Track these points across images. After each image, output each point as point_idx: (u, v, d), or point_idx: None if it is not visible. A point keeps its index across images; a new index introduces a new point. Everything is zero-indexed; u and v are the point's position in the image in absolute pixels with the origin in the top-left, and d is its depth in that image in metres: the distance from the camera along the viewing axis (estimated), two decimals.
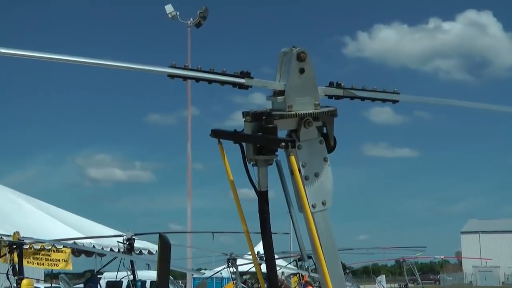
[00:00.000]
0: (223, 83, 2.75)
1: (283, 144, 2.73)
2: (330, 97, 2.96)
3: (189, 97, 31.86)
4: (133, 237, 14.37)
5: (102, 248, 17.03)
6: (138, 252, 18.14)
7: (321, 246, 2.84)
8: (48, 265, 15.68)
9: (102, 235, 17.21)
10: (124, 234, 14.60)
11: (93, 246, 16.76)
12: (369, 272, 43.09)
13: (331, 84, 2.96)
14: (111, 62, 2.62)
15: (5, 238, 12.63)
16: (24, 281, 11.59)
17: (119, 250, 14.83)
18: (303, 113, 2.83)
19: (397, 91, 3.05)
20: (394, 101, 3.05)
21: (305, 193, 2.83)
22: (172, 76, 2.67)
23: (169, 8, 31.71)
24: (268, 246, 2.89)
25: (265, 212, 2.85)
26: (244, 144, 2.84)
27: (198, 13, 31.76)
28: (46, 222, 18.13)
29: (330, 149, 2.94)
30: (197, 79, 2.73)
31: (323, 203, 2.88)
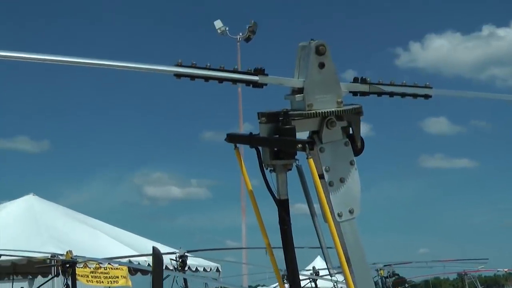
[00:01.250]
0: (235, 81, 2.52)
1: (300, 146, 2.45)
2: (355, 94, 2.70)
3: (241, 113, 31.83)
4: (185, 254, 14.25)
5: None
6: (194, 270, 17.95)
7: (349, 259, 2.59)
8: (108, 283, 15.23)
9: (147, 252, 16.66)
10: (177, 251, 14.47)
11: (148, 264, 16.64)
12: (429, 286, 42.09)
13: (355, 80, 2.70)
14: (114, 62, 2.43)
15: (59, 257, 12.73)
16: None
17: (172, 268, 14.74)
18: (325, 112, 2.56)
19: (429, 85, 2.79)
20: (427, 96, 2.79)
21: (330, 200, 2.57)
22: (178, 75, 2.46)
23: (218, 23, 31.99)
24: (290, 261, 2.60)
25: (286, 223, 2.58)
26: (260, 148, 2.58)
27: (247, 27, 32.01)
28: (102, 240, 18.09)
29: (357, 151, 2.67)
30: (206, 78, 2.50)
31: (351, 211, 2.62)
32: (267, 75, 2.54)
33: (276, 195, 2.59)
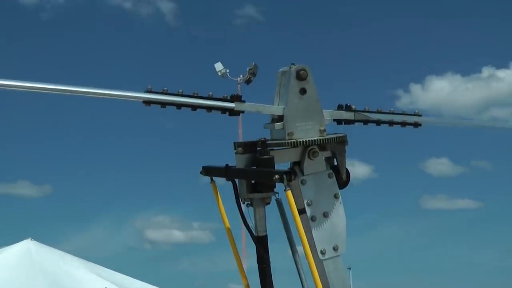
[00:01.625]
0: (209, 108, 2.40)
1: (277, 177, 2.29)
2: (339, 122, 2.57)
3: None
4: None
5: None
6: None
7: None
8: None
9: None
10: None
11: None
12: None
13: (340, 107, 2.57)
14: (82, 89, 2.33)
15: None
16: None
17: None
18: (306, 141, 2.42)
19: (419, 112, 2.68)
20: (416, 124, 2.67)
21: (312, 237, 2.43)
22: (148, 102, 2.34)
23: (218, 66, 32.06)
24: None
25: (265, 261, 2.44)
26: (237, 181, 2.44)
27: (248, 70, 32.08)
28: (101, 286, 17.83)
29: (343, 183, 2.52)
30: (178, 105, 2.37)
31: (335, 249, 2.48)
32: (244, 101, 2.42)
33: (254, 231, 2.46)
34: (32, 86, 2.28)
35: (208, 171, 2.51)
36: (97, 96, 2.35)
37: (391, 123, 2.64)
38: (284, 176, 2.30)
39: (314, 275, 2.34)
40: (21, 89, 2.27)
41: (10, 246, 19.45)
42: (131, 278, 20.34)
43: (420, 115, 2.67)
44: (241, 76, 32.84)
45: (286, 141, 2.43)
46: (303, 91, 2.43)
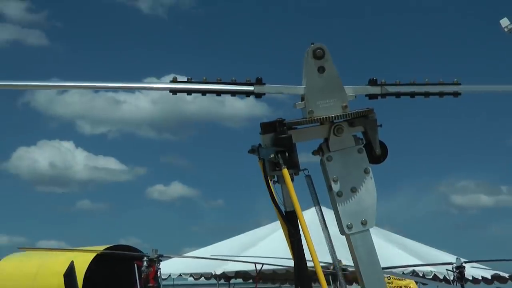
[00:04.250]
0: (233, 93, 2.48)
1: (272, 156, 2.41)
2: (371, 97, 2.54)
3: None
4: (463, 264, 13.04)
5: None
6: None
7: (361, 275, 2.47)
8: None
9: (435, 262, 16.23)
10: (453, 262, 13.37)
11: (434, 275, 16.08)
12: None
13: (370, 82, 2.53)
14: (110, 84, 2.49)
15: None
16: None
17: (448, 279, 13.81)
18: (325, 118, 2.46)
19: (458, 81, 2.57)
20: (456, 94, 2.57)
21: (338, 211, 2.48)
22: (174, 91, 2.43)
23: (504, 22, 30.48)
24: (302, 276, 2.51)
25: (294, 236, 2.49)
26: (265, 159, 2.50)
27: None
28: (386, 249, 17.33)
29: (376, 158, 2.52)
30: (203, 92, 2.47)
31: (363, 223, 2.48)
32: (264, 84, 2.47)
33: (281, 207, 2.51)
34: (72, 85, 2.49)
35: (252, 150, 2.58)
36: (128, 89, 2.57)
37: (427, 94, 2.56)
38: (278, 155, 2.41)
39: (314, 260, 2.39)
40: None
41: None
42: (424, 246, 19.96)
43: (459, 84, 2.57)
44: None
45: (304, 119, 2.48)
46: (321, 69, 2.45)
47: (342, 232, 2.49)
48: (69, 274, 4.54)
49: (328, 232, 2.51)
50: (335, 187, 2.48)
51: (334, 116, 2.46)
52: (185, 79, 2.46)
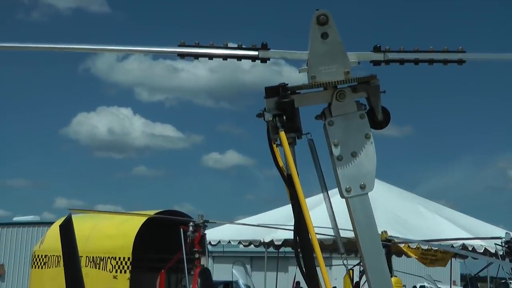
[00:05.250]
0: (239, 58, 2.51)
1: (269, 118, 2.44)
2: (376, 63, 2.55)
3: None
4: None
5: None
6: None
7: (358, 239, 2.51)
8: (432, 264, 15.53)
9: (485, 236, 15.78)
10: (502, 237, 12.72)
11: (484, 249, 15.88)
12: None
13: (375, 49, 2.54)
14: (116, 47, 2.52)
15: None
16: (393, 279, 11.74)
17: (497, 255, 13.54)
18: (325, 83, 2.47)
19: (463, 49, 2.56)
20: (460, 62, 2.57)
21: (337, 175, 2.51)
22: (182, 55, 2.48)
23: None
24: (304, 240, 2.56)
25: (294, 198, 2.52)
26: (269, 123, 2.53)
27: None
28: (436, 222, 18.01)
29: (378, 124, 2.54)
30: (210, 56, 2.51)
31: (362, 187, 2.52)
32: (269, 49, 2.50)
33: (283, 170, 2.54)
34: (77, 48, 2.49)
35: (260, 114, 2.59)
36: (135, 52, 2.60)
37: (431, 61, 2.56)
38: (276, 118, 2.45)
39: (308, 224, 2.46)
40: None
41: None
42: (476, 220, 19.83)
43: (464, 51, 2.56)
44: None
45: (306, 84, 2.50)
46: (325, 35, 2.46)
47: (341, 195, 2.53)
48: (66, 225, 4.60)
49: (330, 201, 2.56)
50: (336, 151, 2.51)
51: (336, 81, 2.47)
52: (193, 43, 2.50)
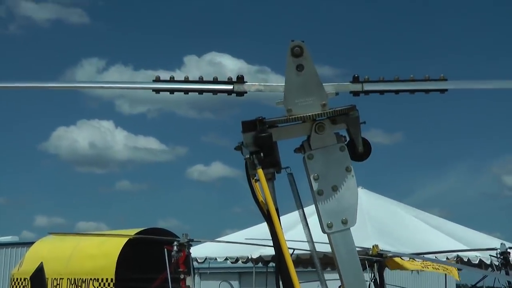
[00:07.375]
0: (214, 92, 2.48)
1: (247, 156, 2.42)
2: (355, 94, 2.50)
3: None
4: (508, 250, 12.37)
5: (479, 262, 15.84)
6: None
7: (340, 274, 2.46)
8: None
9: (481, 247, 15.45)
10: (497, 247, 12.62)
11: (479, 260, 15.71)
12: None
13: (354, 79, 2.48)
14: (92, 85, 2.60)
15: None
16: None
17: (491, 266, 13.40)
18: (301, 117, 2.44)
19: (444, 77, 2.52)
20: (442, 91, 2.52)
21: (318, 210, 2.47)
22: (157, 90, 2.47)
23: None
24: (282, 270, 2.46)
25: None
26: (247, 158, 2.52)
27: None
28: (429, 234, 17.68)
29: (358, 156, 2.51)
30: (185, 91, 2.50)
31: (343, 222, 2.47)
32: (244, 82, 2.47)
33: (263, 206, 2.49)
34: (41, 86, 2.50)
35: (239, 147, 2.58)
36: (111, 89, 2.52)
37: (412, 91, 2.52)
38: (253, 155, 2.41)
39: (285, 254, 2.41)
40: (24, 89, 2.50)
41: None
42: (470, 230, 19.43)
43: (445, 80, 2.52)
44: None
45: (281, 118, 2.46)
46: (300, 67, 2.42)
47: (323, 230, 2.49)
48: (37, 276, 4.25)
49: (309, 229, 2.53)
50: (316, 186, 2.48)
51: (313, 114, 2.44)
52: (168, 77, 2.49)
